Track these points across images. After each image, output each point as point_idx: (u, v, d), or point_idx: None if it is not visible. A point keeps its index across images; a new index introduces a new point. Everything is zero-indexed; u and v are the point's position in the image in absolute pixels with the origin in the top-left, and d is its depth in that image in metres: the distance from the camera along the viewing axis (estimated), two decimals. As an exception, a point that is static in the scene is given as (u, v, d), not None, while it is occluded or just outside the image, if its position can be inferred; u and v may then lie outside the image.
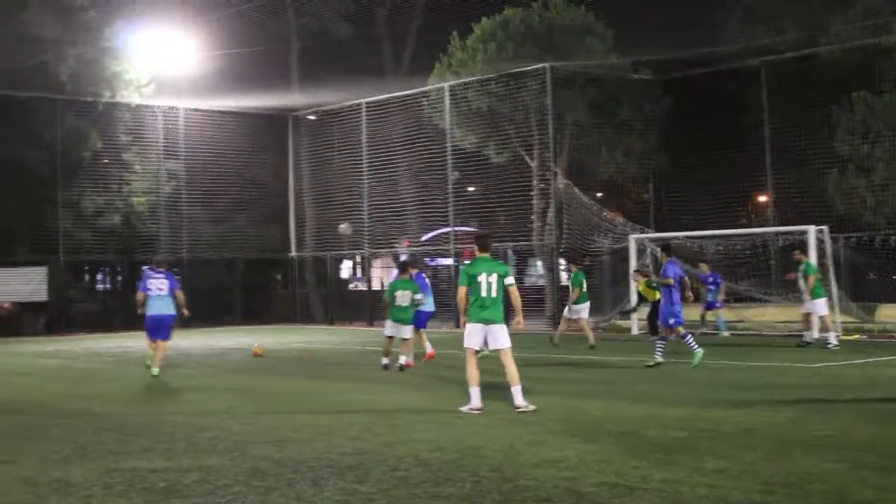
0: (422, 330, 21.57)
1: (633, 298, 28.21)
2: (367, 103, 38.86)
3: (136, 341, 28.16)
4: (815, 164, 31.25)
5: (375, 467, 9.45)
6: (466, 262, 17.74)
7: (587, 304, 24.77)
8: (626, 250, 30.52)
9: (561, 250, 32.76)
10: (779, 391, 15.22)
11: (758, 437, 10.98)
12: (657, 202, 36.78)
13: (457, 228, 36.59)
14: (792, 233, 28.16)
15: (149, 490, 8.67)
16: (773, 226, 31.00)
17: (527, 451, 10.19)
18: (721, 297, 27.80)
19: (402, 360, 19.74)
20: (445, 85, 35.81)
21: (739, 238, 30.14)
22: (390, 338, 19.94)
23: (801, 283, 23.99)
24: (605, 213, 32.88)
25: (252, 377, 19.33)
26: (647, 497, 8.09)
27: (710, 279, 27.79)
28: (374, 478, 8.99)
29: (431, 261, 39.63)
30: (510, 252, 33.21)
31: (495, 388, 15.96)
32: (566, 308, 25.23)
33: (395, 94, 38.05)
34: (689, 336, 19.51)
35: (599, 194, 36.62)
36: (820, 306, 23.56)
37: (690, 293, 20.98)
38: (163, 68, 38.38)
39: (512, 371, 13.48)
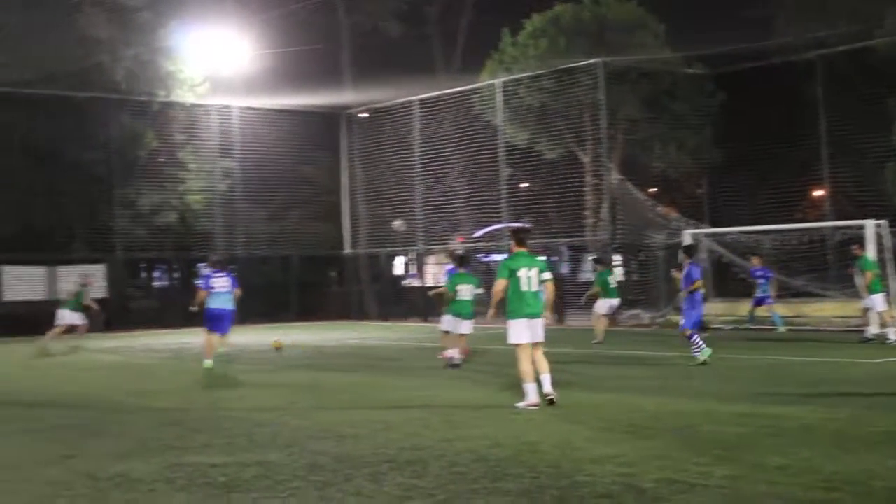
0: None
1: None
2: (419, 100, 38.89)
3: (193, 337, 28.37)
4: (872, 158, 30.88)
5: (433, 462, 9.45)
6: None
7: (610, 301, 25.22)
8: (680, 245, 30.31)
9: (614, 246, 32.61)
10: (838, 387, 15.05)
11: (818, 433, 10.86)
12: (711, 197, 36.49)
13: (509, 224, 36.50)
14: (849, 227, 27.84)
15: (209, 485, 8.73)
16: (830, 220, 30.66)
17: (584, 447, 10.14)
18: (772, 292, 27.53)
19: (450, 353, 19.70)
20: (497, 81, 35.75)
21: (795, 233, 29.82)
22: (448, 333, 19.80)
23: (857, 279, 23.71)
24: (658, 209, 32.67)
25: (309, 373, 19.42)
26: (708, 494, 8.02)
27: (760, 273, 27.57)
28: (433, 473, 8.99)
29: (485, 257, 39.58)
30: (563, 248, 33.07)
31: (554, 383, 15.92)
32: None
33: (446, 91, 38.04)
34: (696, 337, 19.09)
35: (653, 189, 36.39)
36: (878, 302, 23.20)
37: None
38: (216, 67, 38.68)
39: (544, 362, 13.42)
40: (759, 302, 27.52)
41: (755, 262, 27.85)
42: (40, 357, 25.16)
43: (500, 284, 13.38)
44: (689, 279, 19.20)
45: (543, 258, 15.89)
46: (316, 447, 10.45)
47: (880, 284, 23.49)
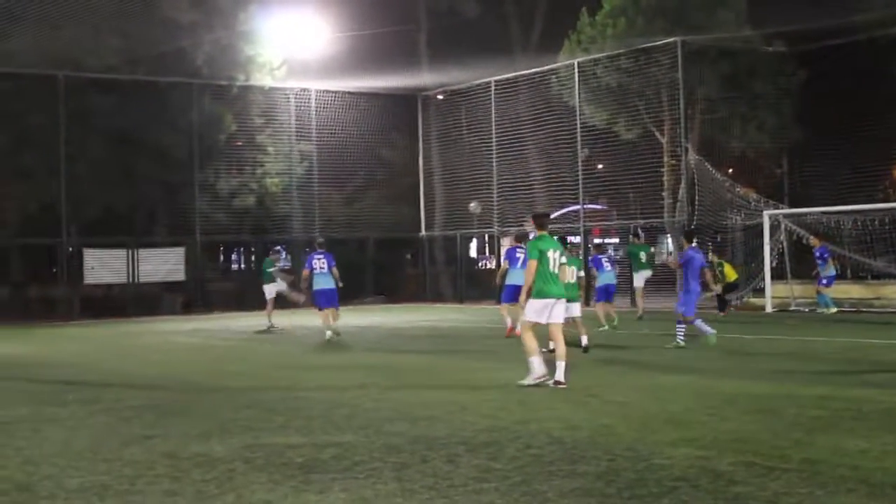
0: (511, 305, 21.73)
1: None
2: (495, 82, 38.79)
3: (271, 320, 28.64)
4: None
5: (509, 445, 9.45)
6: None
7: (642, 273, 27.06)
8: (759, 227, 29.99)
9: (693, 227, 32.30)
10: (921, 370, 14.80)
11: (900, 417, 10.71)
12: (791, 177, 35.97)
13: (586, 206, 36.36)
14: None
15: (287, 465, 8.82)
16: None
17: (661, 430, 10.08)
18: (828, 272, 27.19)
19: (584, 340, 18.30)
20: (575, 61, 35.54)
21: (877, 213, 29.29)
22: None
23: None
24: (737, 189, 32.29)
25: (385, 355, 19.52)
26: (786, 477, 7.94)
27: (818, 253, 27.28)
28: (508, 455, 8.99)
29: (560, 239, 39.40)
30: (640, 230, 32.84)
31: (627, 364, 15.87)
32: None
33: (523, 72, 37.93)
34: (683, 328, 18.89)
35: (731, 170, 35.97)
36: None
37: (712, 283, 21.34)
38: (294, 51, 38.92)
39: (562, 346, 13.66)
40: (820, 281, 27.37)
41: (814, 242, 27.53)
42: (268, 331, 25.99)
43: (532, 265, 13.53)
44: (692, 264, 18.95)
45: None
46: (392, 429, 10.51)
47: None
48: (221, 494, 7.87)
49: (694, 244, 19.75)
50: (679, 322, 19.07)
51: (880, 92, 32.24)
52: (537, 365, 13.58)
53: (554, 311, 13.65)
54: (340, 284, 23.03)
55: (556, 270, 13.69)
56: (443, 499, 7.56)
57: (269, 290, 27.49)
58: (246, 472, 8.63)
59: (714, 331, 18.87)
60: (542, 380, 13.46)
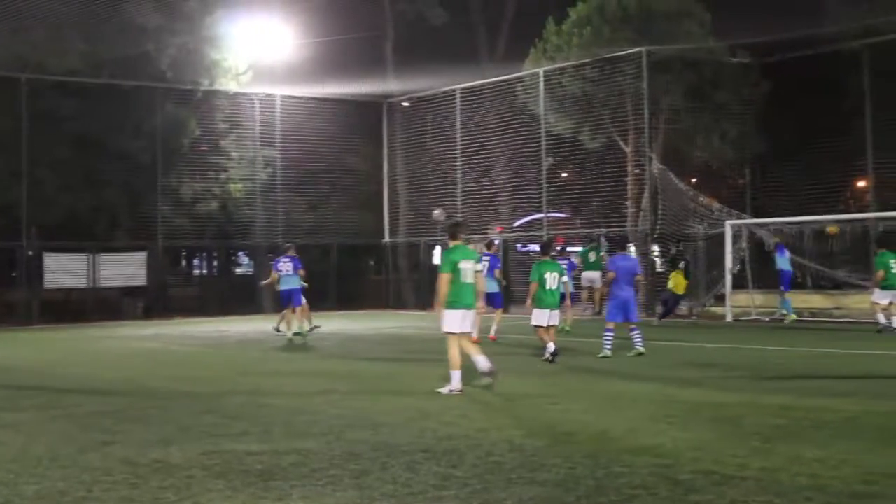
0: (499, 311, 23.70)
1: None
2: (461, 89, 38.84)
3: (231, 325, 28.59)
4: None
5: (469, 452, 9.45)
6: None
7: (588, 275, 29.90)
8: (721, 236, 30.18)
9: (656, 236, 32.47)
10: (881, 380, 14.91)
11: (859, 426, 10.78)
12: (754, 187, 36.21)
13: (550, 214, 36.44)
14: (893, 218, 27.57)
15: (246, 472, 8.78)
16: (873, 211, 30.35)
17: (621, 438, 10.12)
18: (784, 266, 27.39)
19: (551, 346, 18.22)
20: (540, 70, 35.62)
21: (838, 224, 29.54)
22: (540, 327, 18.30)
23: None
24: (700, 199, 32.47)
25: (347, 361, 19.49)
26: (745, 486, 7.98)
27: (777, 250, 27.55)
28: (469, 463, 9.00)
29: (523, 247, 39.49)
30: (603, 239, 32.94)
31: (589, 372, 15.93)
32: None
33: (489, 80, 37.97)
34: (610, 335, 19.04)
35: (694, 179, 36.16)
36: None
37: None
38: (260, 56, 38.80)
39: (473, 348, 14.20)
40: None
41: (775, 239, 27.77)
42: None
43: (444, 278, 13.85)
44: (618, 272, 19.33)
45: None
46: (353, 436, 10.49)
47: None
48: (179, 501, 7.83)
49: (628, 251, 21.42)
50: (606, 331, 19.12)
51: (842, 104, 32.50)
52: (456, 380, 13.80)
53: (466, 322, 14.00)
54: (305, 284, 25.09)
55: (471, 280, 14.00)
56: (402, 506, 7.56)
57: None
58: (204, 478, 8.58)
59: (608, 353, 18.85)
60: (458, 393, 13.69)
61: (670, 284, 28.73)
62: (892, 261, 24.22)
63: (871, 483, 8.01)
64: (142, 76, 35.66)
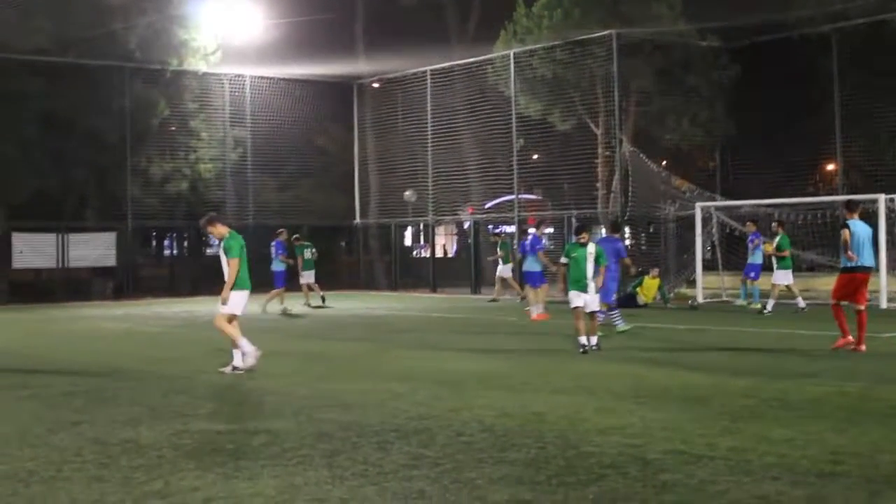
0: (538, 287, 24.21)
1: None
2: (431, 71, 38.73)
3: (202, 306, 28.50)
4: (886, 132, 30.77)
5: (440, 432, 9.49)
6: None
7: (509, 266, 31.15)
8: (692, 218, 30.28)
9: (626, 218, 32.55)
10: (847, 361, 15.01)
11: (826, 406, 10.87)
12: (724, 170, 36.36)
13: (521, 196, 36.47)
14: (861, 201, 27.71)
15: (217, 451, 8.78)
16: (842, 194, 30.54)
17: (591, 418, 10.17)
18: (755, 259, 27.34)
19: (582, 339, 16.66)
20: (510, 52, 35.58)
21: (807, 207, 29.69)
22: (578, 308, 16.62)
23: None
24: (671, 181, 32.57)
25: (319, 342, 19.48)
26: (714, 465, 8.04)
27: (750, 238, 27.53)
28: (440, 443, 9.03)
29: (495, 228, 39.53)
30: (574, 220, 32.98)
31: (562, 353, 15.99)
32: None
33: (459, 62, 37.91)
34: (614, 314, 19.89)
35: (664, 162, 36.27)
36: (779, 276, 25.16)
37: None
38: (229, 36, 38.57)
39: (237, 332, 14.57)
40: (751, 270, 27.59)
41: (751, 227, 27.79)
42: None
43: (235, 263, 14.41)
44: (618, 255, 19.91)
45: None
46: (323, 416, 10.49)
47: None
48: (150, 481, 7.82)
49: (615, 234, 21.40)
50: (609, 311, 19.65)
51: (811, 88, 32.66)
52: (247, 346, 14.41)
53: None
54: (290, 262, 28.68)
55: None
56: (373, 486, 7.58)
57: (308, 276, 29.77)
58: (175, 458, 8.58)
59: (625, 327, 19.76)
60: (249, 366, 14.25)
61: (636, 289, 28.02)
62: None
63: (837, 462, 8.09)
64: (110, 56, 35.36)
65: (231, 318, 14.53)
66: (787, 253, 25.19)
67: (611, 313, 19.72)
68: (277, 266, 28.29)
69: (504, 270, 31.56)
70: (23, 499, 7.40)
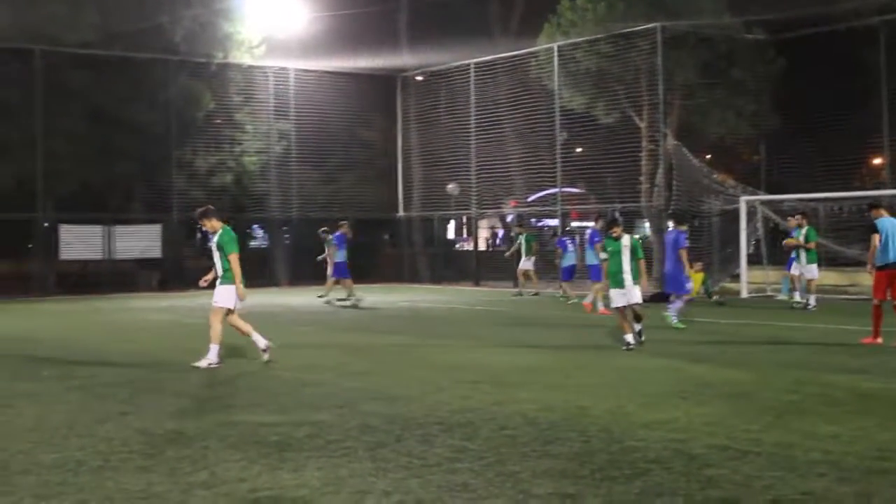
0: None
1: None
2: (475, 64, 38.71)
3: (247, 299, 28.58)
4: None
5: (484, 426, 9.48)
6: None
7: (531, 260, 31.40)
8: (736, 212, 30.07)
9: (670, 212, 32.36)
10: (894, 357, 14.86)
11: (872, 402, 10.77)
12: (768, 164, 36.05)
13: (564, 189, 36.37)
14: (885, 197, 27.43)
15: (261, 443, 8.82)
16: (889, 188, 30.20)
17: (635, 413, 10.13)
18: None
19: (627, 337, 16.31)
20: (554, 45, 35.46)
21: (852, 201, 29.36)
22: (622, 308, 16.37)
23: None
24: (714, 175, 32.34)
25: (363, 335, 19.51)
26: (759, 461, 7.99)
27: (793, 234, 27.25)
28: (483, 436, 9.02)
29: (538, 221, 39.44)
30: (618, 214, 32.82)
31: (604, 346, 15.94)
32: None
33: (503, 55, 37.81)
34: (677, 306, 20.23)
35: (708, 156, 35.99)
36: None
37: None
38: (274, 29, 38.71)
39: (243, 325, 14.71)
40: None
41: (793, 223, 27.52)
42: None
43: (235, 258, 14.55)
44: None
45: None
46: (367, 408, 10.52)
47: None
48: (195, 472, 7.87)
49: (678, 226, 21.08)
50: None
51: (857, 81, 32.31)
52: (214, 353, 14.28)
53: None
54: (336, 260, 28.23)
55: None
56: (416, 478, 7.58)
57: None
58: (220, 449, 8.63)
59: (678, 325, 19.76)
60: (214, 366, 14.13)
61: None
62: None
63: (884, 459, 8.01)
64: (156, 49, 35.59)
65: (229, 315, 14.63)
66: (813, 245, 24.97)
67: (675, 305, 19.98)
68: (340, 257, 28.12)
69: (526, 263, 31.41)
70: (72, 487, 7.48)
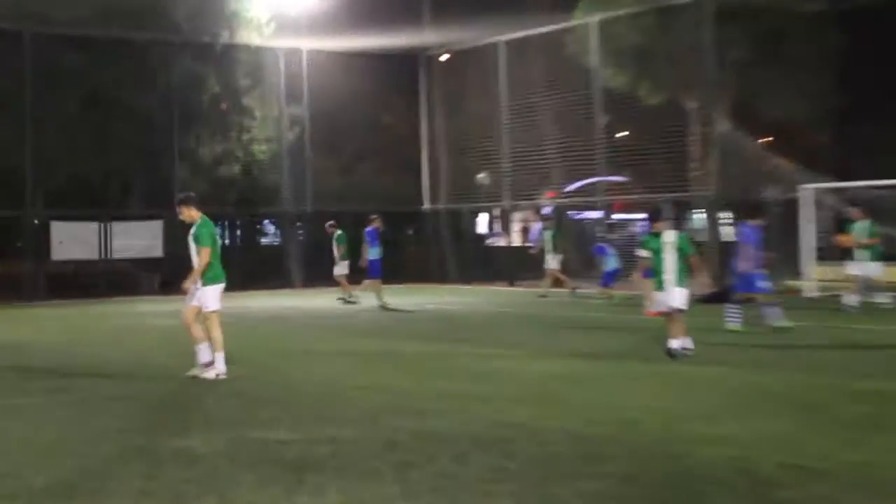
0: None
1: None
2: (505, 41, 38.62)
3: (257, 301, 28.67)
4: None
5: (523, 442, 9.40)
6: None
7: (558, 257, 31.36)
8: (796, 201, 29.85)
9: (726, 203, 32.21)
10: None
11: (959, 414, 10.61)
12: (834, 148, 35.79)
13: (606, 178, 36.20)
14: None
15: (277, 463, 8.74)
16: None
17: (691, 427, 10.02)
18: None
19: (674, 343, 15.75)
20: (593, 20, 35.33)
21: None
22: (670, 312, 15.84)
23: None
24: (772, 161, 32.12)
25: (386, 340, 19.46)
26: (834, 481, 7.86)
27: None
28: (522, 454, 8.93)
29: (577, 214, 39.30)
30: (663, 206, 32.59)
31: (654, 354, 15.80)
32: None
33: (536, 31, 37.69)
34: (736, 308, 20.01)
35: (767, 139, 35.77)
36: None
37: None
38: (284, 6, 38.70)
39: (218, 334, 14.35)
40: None
41: (855, 214, 27.30)
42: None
43: (206, 252, 14.28)
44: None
45: None
46: (393, 423, 10.44)
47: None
48: (202, 495, 7.80)
49: (754, 221, 20.78)
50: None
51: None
52: (221, 362, 14.11)
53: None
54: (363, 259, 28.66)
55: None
56: (449, 502, 7.48)
57: (344, 268, 30.30)
58: (230, 470, 8.57)
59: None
60: (223, 377, 13.93)
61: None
62: None
63: (977, 478, 7.86)
64: (155, 28, 35.62)
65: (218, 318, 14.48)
66: (872, 241, 24.72)
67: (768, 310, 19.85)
68: (373, 255, 28.36)
69: (552, 262, 31.38)
70: (65, 515, 7.41)
